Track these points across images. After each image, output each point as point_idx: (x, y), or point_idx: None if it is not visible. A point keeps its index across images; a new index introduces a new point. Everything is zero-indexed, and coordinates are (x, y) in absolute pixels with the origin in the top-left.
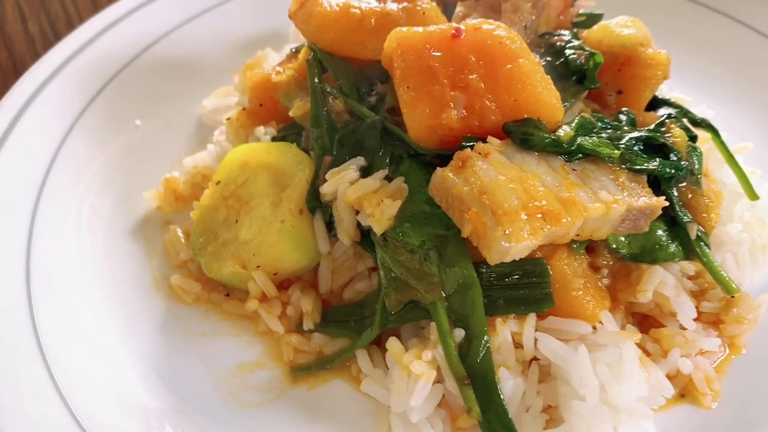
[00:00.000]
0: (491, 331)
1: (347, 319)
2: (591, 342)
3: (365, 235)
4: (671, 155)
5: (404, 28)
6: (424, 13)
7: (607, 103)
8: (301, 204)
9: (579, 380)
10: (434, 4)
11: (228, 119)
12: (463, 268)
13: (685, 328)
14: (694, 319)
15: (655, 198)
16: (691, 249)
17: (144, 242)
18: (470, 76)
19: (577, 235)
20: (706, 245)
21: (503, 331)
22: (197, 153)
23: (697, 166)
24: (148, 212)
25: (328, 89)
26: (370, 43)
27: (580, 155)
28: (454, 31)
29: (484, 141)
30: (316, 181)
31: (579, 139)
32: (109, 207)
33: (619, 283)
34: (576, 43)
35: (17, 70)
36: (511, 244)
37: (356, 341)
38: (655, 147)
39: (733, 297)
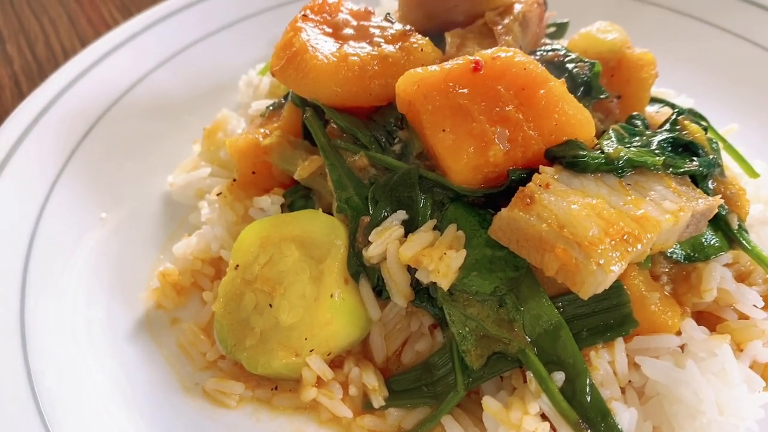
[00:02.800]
0: (588, 365)
1: (417, 386)
2: (680, 354)
3: (418, 292)
4: (699, 152)
5: (419, 69)
6: (422, 50)
7: (610, 110)
8: (345, 273)
9: (693, 396)
10: (427, 38)
11: (219, 194)
12: (543, 307)
13: (746, 317)
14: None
15: (710, 198)
16: (731, 238)
17: (155, 347)
18: (506, 108)
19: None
20: (746, 231)
21: (602, 364)
22: (184, 238)
23: (718, 158)
24: (149, 313)
25: (342, 145)
26: (375, 90)
27: (629, 169)
28: (473, 65)
29: (529, 171)
30: (354, 244)
31: (623, 153)
32: (104, 317)
33: (680, 287)
34: (573, 55)
35: None
36: (607, 275)
37: (438, 408)
38: (681, 146)
39: None
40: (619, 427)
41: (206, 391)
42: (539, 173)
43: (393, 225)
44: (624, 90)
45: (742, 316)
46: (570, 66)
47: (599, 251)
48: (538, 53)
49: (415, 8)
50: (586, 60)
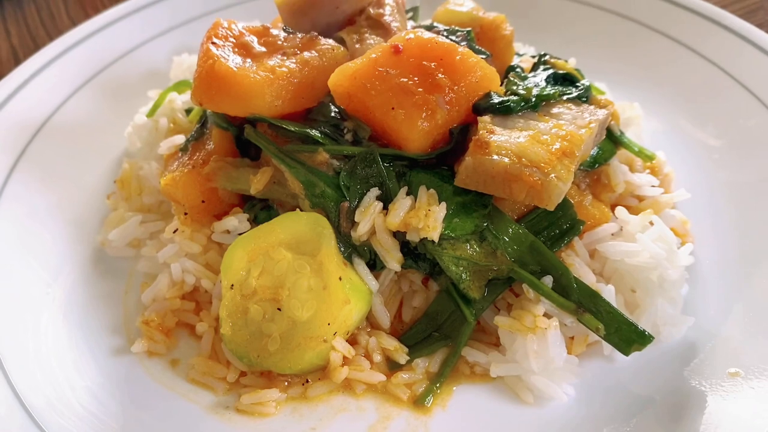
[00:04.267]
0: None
1: (428, 334)
2: (624, 234)
3: (405, 255)
4: (575, 80)
5: (350, 63)
6: (334, 50)
7: None
8: (341, 257)
9: (650, 259)
10: (330, 40)
11: (175, 231)
12: (515, 231)
13: (643, 198)
14: None
15: (605, 108)
16: (615, 141)
17: (167, 391)
18: (436, 77)
19: None
20: (623, 133)
21: (573, 260)
22: (144, 287)
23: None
24: (144, 364)
25: (296, 148)
26: (305, 94)
27: (540, 103)
28: (393, 49)
29: (463, 127)
30: (340, 230)
31: (533, 92)
32: (104, 381)
33: (596, 188)
34: (449, 28)
35: None
36: (566, 184)
37: (456, 345)
38: (560, 78)
39: (652, 162)
40: (602, 298)
41: (241, 409)
42: (478, 124)
43: (372, 202)
44: (492, 48)
45: (641, 198)
46: (452, 37)
47: (553, 168)
48: None
49: (300, 17)
50: (461, 30)
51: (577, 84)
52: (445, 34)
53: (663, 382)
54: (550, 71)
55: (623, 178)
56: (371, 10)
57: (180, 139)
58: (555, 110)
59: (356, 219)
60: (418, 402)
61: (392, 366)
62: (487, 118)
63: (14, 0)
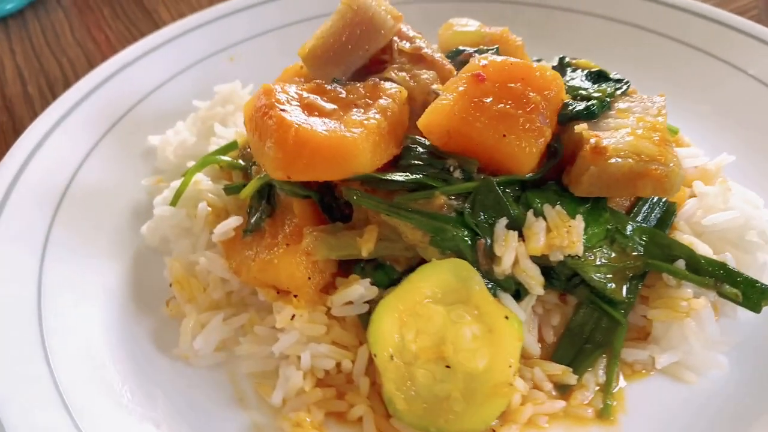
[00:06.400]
0: None
1: (580, 347)
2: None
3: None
4: (609, 75)
5: (440, 101)
6: (400, 92)
7: None
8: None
9: (746, 221)
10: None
11: (292, 318)
12: (636, 226)
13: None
14: None
15: (656, 96)
16: None
17: None
18: (529, 95)
19: None
20: None
21: (688, 238)
22: (266, 386)
23: None
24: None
25: (407, 198)
26: (392, 142)
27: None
28: (477, 78)
29: (556, 139)
30: (479, 268)
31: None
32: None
33: None
34: (479, 48)
35: (17, 130)
36: (682, 169)
37: (614, 350)
38: (596, 76)
39: (676, 136)
40: (731, 267)
41: None
42: (569, 134)
43: (506, 233)
44: None
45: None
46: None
47: (666, 158)
48: (452, 58)
49: (332, 67)
50: (485, 48)
51: (617, 78)
52: (474, 55)
53: None
54: (584, 71)
55: None
56: (404, 45)
57: (236, 220)
58: (622, 106)
59: (497, 253)
60: (602, 415)
61: (561, 390)
62: (583, 125)
63: (19, 19)
